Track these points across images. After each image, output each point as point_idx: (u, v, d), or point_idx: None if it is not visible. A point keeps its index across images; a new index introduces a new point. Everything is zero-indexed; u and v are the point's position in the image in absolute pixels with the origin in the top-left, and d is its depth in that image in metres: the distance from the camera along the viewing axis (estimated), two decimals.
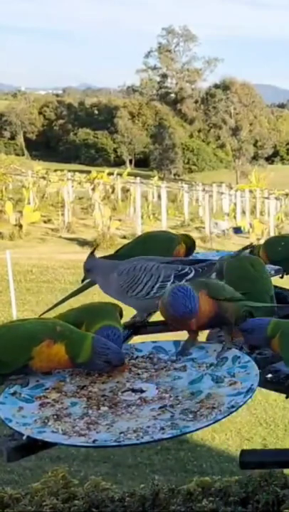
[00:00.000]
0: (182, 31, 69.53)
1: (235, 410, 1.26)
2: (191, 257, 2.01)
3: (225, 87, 65.69)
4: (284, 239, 2.35)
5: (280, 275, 2.13)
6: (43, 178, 27.84)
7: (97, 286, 1.85)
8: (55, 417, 1.29)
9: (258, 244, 2.29)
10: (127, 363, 1.46)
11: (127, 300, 1.69)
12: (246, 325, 1.46)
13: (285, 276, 2.15)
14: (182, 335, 1.52)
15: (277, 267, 2.11)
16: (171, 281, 1.63)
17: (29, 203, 21.89)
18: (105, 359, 1.40)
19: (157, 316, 1.82)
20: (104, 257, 1.93)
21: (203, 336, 1.59)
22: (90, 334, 1.43)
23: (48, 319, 1.47)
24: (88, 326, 1.52)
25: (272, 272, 2.03)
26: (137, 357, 1.51)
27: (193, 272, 1.64)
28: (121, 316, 1.63)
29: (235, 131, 64.43)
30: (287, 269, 2.14)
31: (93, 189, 25.60)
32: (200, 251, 2.72)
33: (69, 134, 67.38)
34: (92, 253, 1.76)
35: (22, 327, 1.42)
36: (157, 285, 1.64)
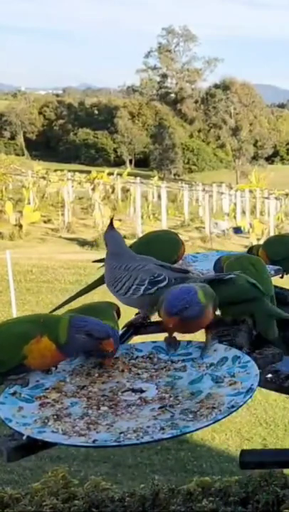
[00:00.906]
0: (182, 31, 69.60)
1: (235, 410, 1.26)
2: (178, 265, 2.02)
3: (225, 87, 65.72)
4: (284, 239, 2.35)
5: (280, 275, 2.13)
6: (43, 178, 27.86)
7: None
8: (55, 417, 1.29)
9: (256, 244, 2.29)
10: (112, 340, 1.42)
11: (113, 294, 1.74)
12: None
13: (285, 276, 2.15)
14: (182, 335, 1.52)
15: (277, 267, 2.11)
16: (145, 285, 1.66)
17: (29, 203, 21.92)
18: (85, 332, 1.37)
19: (157, 316, 1.82)
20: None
21: (202, 335, 1.59)
22: (66, 315, 1.42)
23: (34, 315, 1.46)
24: None
25: (272, 272, 2.03)
26: (137, 357, 1.51)
27: (166, 281, 1.66)
28: (118, 314, 1.64)
29: (235, 131, 64.45)
30: (287, 269, 2.15)
31: (93, 189, 25.62)
32: (200, 251, 2.72)
33: (69, 134, 67.40)
34: (111, 225, 1.80)
35: (14, 326, 1.42)
36: (133, 287, 1.67)
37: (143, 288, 1.65)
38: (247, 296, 1.62)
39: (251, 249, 2.27)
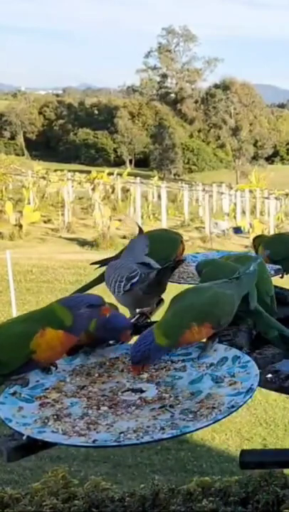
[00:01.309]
0: (182, 31, 69.58)
1: (235, 410, 1.26)
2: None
3: (225, 87, 65.69)
4: (284, 238, 2.36)
5: (280, 275, 2.13)
6: (43, 178, 27.86)
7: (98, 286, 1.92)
8: (55, 417, 1.29)
9: (261, 235, 2.31)
10: (108, 306, 1.47)
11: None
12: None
13: (285, 276, 2.15)
14: None
15: (277, 267, 2.12)
16: (124, 282, 1.69)
17: (29, 203, 21.92)
18: (85, 305, 1.40)
19: (157, 316, 1.82)
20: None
21: None
22: (54, 302, 1.44)
23: (25, 314, 1.47)
24: None
25: (272, 272, 2.03)
26: None
27: (137, 277, 1.69)
28: None
29: (235, 131, 64.43)
30: (287, 268, 2.15)
31: (93, 189, 25.62)
32: (200, 251, 2.73)
33: (69, 134, 67.38)
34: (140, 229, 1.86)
35: (13, 325, 1.43)
36: (116, 284, 1.71)
37: (122, 285, 1.69)
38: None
39: (255, 240, 2.30)
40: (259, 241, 2.29)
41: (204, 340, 1.49)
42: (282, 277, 2.13)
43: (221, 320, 1.48)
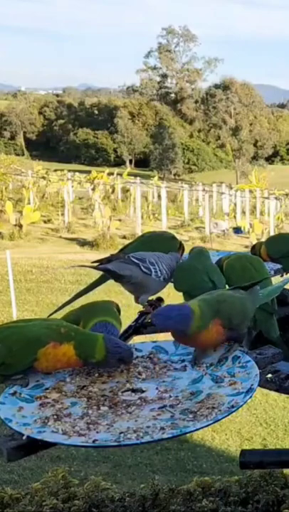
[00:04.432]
0: (182, 31, 69.58)
1: (235, 410, 1.26)
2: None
3: (225, 87, 65.69)
4: (285, 237, 2.37)
5: (280, 275, 2.13)
6: (43, 178, 27.83)
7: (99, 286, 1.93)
8: (55, 417, 1.29)
9: (259, 242, 2.30)
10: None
11: None
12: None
13: (285, 275, 2.16)
14: None
15: (277, 267, 2.12)
16: (165, 271, 1.77)
17: (29, 203, 21.90)
18: (119, 357, 1.42)
19: None
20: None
21: None
22: (100, 334, 1.44)
23: (52, 321, 1.47)
24: (84, 323, 1.57)
25: (272, 272, 2.04)
26: (137, 357, 1.51)
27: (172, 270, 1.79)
28: (118, 312, 1.67)
29: (235, 131, 64.42)
30: (286, 266, 2.15)
31: (93, 189, 25.60)
32: None
33: (69, 134, 67.37)
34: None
35: (27, 329, 1.42)
36: (159, 269, 1.79)
37: (165, 273, 1.80)
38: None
39: (254, 248, 2.29)
40: (259, 245, 2.28)
41: (220, 341, 1.45)
42: (282, 276, 2.14)
43: (233, 318, 1.44)
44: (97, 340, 1.41)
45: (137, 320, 1.79)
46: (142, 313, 1.82)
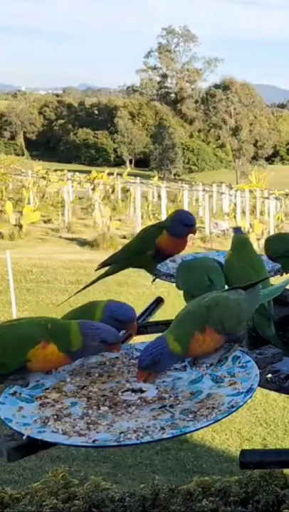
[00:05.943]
0: (182, 31, 69.54)
1: (235, 410, 1.26)
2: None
3: (225, 87, 65.66)
4: (285, 237, 2.38)
5: (280, 274, 2.14)
6: (43, 178, 27.82)
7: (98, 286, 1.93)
8: (55, 417, 1.29)
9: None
10: (120, 344, 1.46)
11: None
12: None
13: (284, 274, 2.16)
14: None
15: (277, 267, 2.12)
16: None
17: (29, 203, 21.89)
18: (100, 339, 1.40)
19: (157, 316, 1.82)
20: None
21: None
22: (74, 321, 1.42)
23: (40, 318, 1.45)
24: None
25: (272, 273, 2.04)
26: (137, 357, 1.51)
27: None
28: None
29: (235, 131, 64.40)
30: (285, 266, 2.16)
31: (93, 189, 25.61)
32: (200, 251, 2.73)
33: (69, 134, 67.35)
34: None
35: (18, 328, 1.42)
36: None
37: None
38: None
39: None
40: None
41: (218, 346, 1.44)
42: (281, 275, 2.14)
43: (225, 323, 1.43)
44: (71, 327, 1.39)
45: (136, 320, 1.80)
46: (141, 313, 1.82)
